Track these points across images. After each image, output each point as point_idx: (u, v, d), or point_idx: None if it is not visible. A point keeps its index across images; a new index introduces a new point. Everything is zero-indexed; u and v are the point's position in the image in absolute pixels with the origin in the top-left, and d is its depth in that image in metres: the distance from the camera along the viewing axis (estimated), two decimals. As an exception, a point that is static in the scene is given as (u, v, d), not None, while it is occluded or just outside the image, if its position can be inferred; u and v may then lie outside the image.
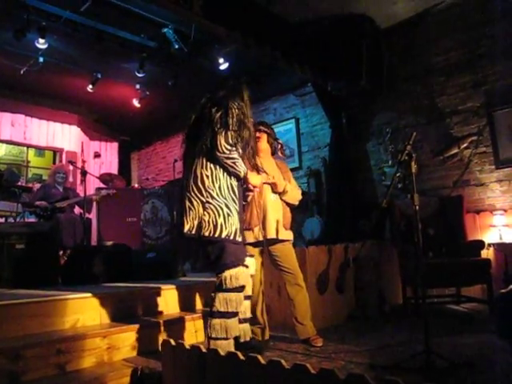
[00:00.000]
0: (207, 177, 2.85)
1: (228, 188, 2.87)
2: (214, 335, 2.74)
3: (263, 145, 3.64)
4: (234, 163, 2.83)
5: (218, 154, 2.80)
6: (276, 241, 3.49)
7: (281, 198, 3.56)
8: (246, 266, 2.89)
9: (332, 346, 3.36)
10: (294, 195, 3.63)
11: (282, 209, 3.55)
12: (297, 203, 3.68)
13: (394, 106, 6.17)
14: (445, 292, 5.03)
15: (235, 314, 2.79)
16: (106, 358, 2.91)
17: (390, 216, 5.26)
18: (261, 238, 3.39)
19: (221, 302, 2.76)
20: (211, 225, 2.77)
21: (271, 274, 3.86)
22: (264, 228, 3.42)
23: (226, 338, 2.73)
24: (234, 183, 2.92)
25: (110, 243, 4.99)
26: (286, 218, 3.56)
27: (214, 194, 2.82)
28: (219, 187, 2.84)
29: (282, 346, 3.42)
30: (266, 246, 3.46)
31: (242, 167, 2.87)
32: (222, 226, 2.77)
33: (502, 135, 5.16)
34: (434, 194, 5.50)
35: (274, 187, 3.51)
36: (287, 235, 3.53)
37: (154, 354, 2.97)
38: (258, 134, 3.56)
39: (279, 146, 3.81)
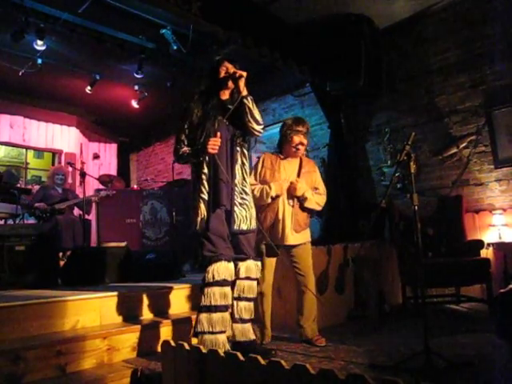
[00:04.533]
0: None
1: (197, 180, 2.98)
2: (200, 329, 2.80)
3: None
4: (182, 156, 3.03)
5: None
6: (290, 245, 3.52)
7: (300, 204, 3.55)
8: (229, 261, 2.89)
9: (332, 346, 3.36)
10: (315, 202, 3.60)
11: (295, 212, 3.54)
12: (318, 208, 3.65)
13: (393, 106, 6.18)
14: (444, 292, 5.02)
15: (220, 308, 2.82)
16: (106, 359, 2.92)
17: (389, 216, 5.26)
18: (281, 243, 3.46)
19: (206, 296, 2.82)
20: (191, 222, 2.97)
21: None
22: (275, 233, 3.44)
23: (212, 333, 2.77)
24: (205, 170, 2.96)
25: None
26: (297, 221, 3.53)
27: (191, 193, 3.04)
28: (193, 184, 3.04)
29: (282, 346, 3.42)
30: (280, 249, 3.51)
31: (188, 153, 2.98)
32: (193, 219, 2.93)
33: (500, 135, 5.15)
34: (433, 194, 5.50)
35: (291, 191, 3.48)
36: (301, 238, 3.55)
37: (155, 355, 2.98)
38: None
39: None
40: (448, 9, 5.64)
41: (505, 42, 5.10)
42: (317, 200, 3.59)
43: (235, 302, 2.99)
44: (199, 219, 2.88)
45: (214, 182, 2.93)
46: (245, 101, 3.00)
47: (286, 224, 3.47)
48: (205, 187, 2.92)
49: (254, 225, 3.07)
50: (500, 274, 4.68)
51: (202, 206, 2.89)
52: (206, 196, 2.91)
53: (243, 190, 3.05)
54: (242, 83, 2.99)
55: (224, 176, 2.94)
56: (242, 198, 3.03)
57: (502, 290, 2.47)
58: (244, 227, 3.01)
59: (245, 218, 3.01)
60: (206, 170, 2.94)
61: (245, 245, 3.03)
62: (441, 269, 4.41)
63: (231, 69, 3.05)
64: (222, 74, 3.06)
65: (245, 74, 2.99)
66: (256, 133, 3.09)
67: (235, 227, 2.97)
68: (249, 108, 3.00)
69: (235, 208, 2.97)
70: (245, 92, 3.00)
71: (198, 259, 6.12)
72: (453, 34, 5.59)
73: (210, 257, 2.85)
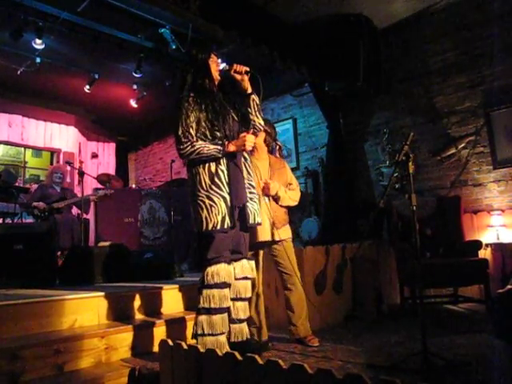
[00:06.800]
0: (189, 177, 2.91)
1: (211, 177, 2.81)
2: (200, 332, 2.75)
3: (259, 142, 3.58)
4: (199, 152, 2.78)
5: (178, 153, 2.86)
6: (272, 242, 3.48)
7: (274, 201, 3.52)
8: (229, 263, 2.84)
9: (329, 346, 3.36)
10: (289, 198, 3.59)
11: (273, 209, 3.50)
12: (294, 204, 3.65)
13: (392, 106, 6.18)
14: (442, 292, 5.03)
15: (220, 311, 2.78)
16: (104, 359, 2.91)
17: (387, 216, 5.27)
18: (258, 240, 3.38)
19: (204, 298, 2.77)
20: (198, 220, 2.81)
21: (269, 274, 3.86)
22: (258, 231, 3.38)
23: (213, 335, 2.74)
24: (222, 167, 2.84)
25: (106, 243, 4.97)
26: (277, 218, 3.49)
27: (196, 190, 2.83)
28: (199, 181, 2.82)
29: (280, 346, 3.42)
30: (262, 247, 3.48)
31: (211, 148, 2.78)
32: (206, 219, 2.77)
33: (499, 135, 5.16)
34: (431, 195, 5.51)
35: (265, 190, 3.46)
36: (282, 234, 3.51)
37: (152, 355, 2.98)
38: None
39: (277, 147, 3.78)
40: (447, 9, 5.65)
41: (503, 42, 5.11)
42: (291, 196, 3.60)
43: (232, 303, 2.93)
44: (220, 218, 2.76)
45: (233, 179, 2.85)
46: (254, 97, 2.99)
47: (264, 220, 3.39)
48: (223, 184, 2.81)
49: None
50: (498, 275, 4.69)
51: (222, 204, 2.78)
52: (225, 193, 2.80)
53: (250, 184, 2.98)
54: (247, 79, 2.97)
55: (240, 172, 2.91)
56: (251, 193, 2.97)
57: (500, 291, 2.47)
58: (259, 220, 2.99)
59: (257, 211, 2.98)
60: (223, 167, 2.84)
61: (243, 244, 2.98)
62: (439, 269, 4.42)
63: (217, 60, 3.04)
64: (214, 68, 3.01)
65: (249, 68, 2.96)
66: (260, 127, 3.08)
67: (251, 221, 2.92)
68: (256, 104, 3.00)
69: (247, 203, 2.91)
70: (250, 89, 2.99)
71: (196, 259, 6.12)
72: (452, 34, 5.60)
73: (211, 258, 2.80)
